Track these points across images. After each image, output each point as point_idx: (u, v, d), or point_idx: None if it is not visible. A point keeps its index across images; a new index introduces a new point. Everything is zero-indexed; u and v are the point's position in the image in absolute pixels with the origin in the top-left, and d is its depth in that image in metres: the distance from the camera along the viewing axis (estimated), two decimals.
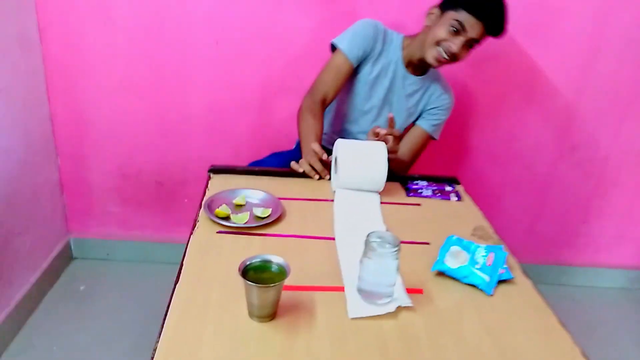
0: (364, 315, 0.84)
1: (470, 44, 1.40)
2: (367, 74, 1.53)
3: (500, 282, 0.96)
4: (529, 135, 1.98)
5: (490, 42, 1.44)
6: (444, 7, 1.41)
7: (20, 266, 1.77)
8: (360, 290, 0.88)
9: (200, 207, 1.15)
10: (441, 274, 0.97)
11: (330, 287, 0.91)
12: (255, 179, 1.30)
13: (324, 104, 1.52)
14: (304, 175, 1.32)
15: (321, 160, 1.32)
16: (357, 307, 0.86)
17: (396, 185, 1.33)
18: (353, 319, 0.84)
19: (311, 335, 0.79)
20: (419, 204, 1.26)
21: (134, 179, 2.04)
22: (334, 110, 1.64)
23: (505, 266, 0.98)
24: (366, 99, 1.57)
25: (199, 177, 1.98)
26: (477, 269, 0.95)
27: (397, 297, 0.87)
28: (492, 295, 0.93)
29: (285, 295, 0.83)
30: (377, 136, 1.34)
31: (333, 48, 1.52)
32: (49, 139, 1.93)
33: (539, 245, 2.21)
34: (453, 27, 1.36)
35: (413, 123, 1.63)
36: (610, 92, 1.91)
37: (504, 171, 2.05)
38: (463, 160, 2.02)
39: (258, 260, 0.82)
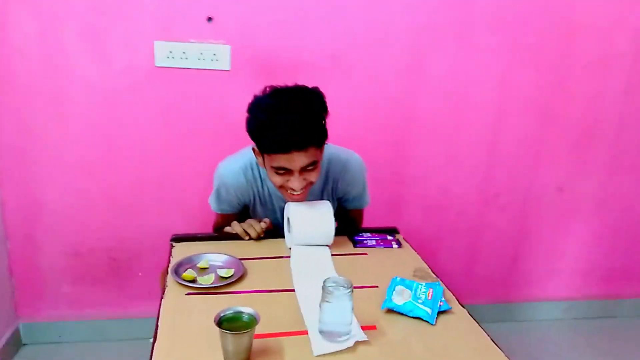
0: (327, 352, 0.96)
1: (310, 167, 1.26)
2: (255, 213, 1.51)
3: (440, 312, 1.11)
4: (457, 185, 2.22)
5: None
6: (258, 149, 1.29)
7: None
8: (321, 332, 1.00)
9: (160, 277, 1.23)
10: (390, 310, 1.11)
11: (294, 332, 1.02)
12: (215, 244, 1.40)
13: None
14: (260, 237, 1.44)
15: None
16: (320, 345, 0.97)
17: (344, 239, 1.48)
18: (318, 356, 0.95)
19: None
20: (365, 253, 1.41)
21: (87, 257, 2.05)
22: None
23: (443, 299, 1.13)
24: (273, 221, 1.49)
25: (153, 249, 2.07)
26: (420, 303, 1.09)
27: (355, 334, 1.00)
28: (434, 324, 1.08)
29: (256, 342, 0.93)
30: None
31: None
32: None
33: (477, 286, 2.40)
34: (278, 173, 1.26)
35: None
36: (520, 145, 2.20)
37: (438, 219, 2.26)
38: (401, 212, 2.21)
39: (230, 312, 0.93)
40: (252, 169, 1.45)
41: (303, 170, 1.25)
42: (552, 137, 2.22)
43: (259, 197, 1.49)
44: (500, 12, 2.00)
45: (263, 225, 1.43)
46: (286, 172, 1.25)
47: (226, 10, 1.84)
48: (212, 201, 1.53)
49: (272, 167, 1.26)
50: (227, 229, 1.47)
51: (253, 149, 1.34)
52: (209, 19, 1.85)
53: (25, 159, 1.90)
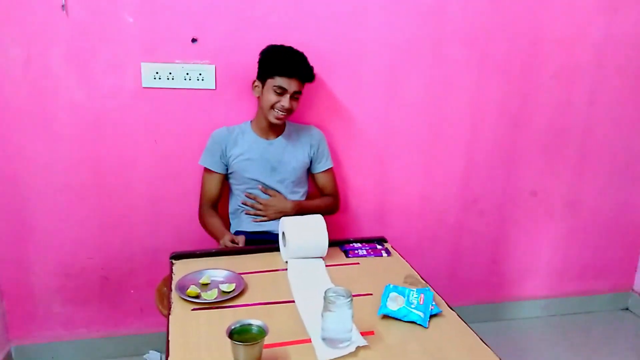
0: (331, 358, 1.03)
1: (295, 96, 1.75)
2: (237, 162, 1.84)
3: (432, 316, 1.19)
4: (436, 193, 2.32)
5: None
6: (262, 78, 1.76)
7: None
8: (324, 339, 1.07)
9: (156, 293, 1.28)
10: (386, 316, 1.19)
11: (298, 340, 1.09)
12: (214, 259, 1.46)
13: (214, 206, 1.91)
14: (256, 251, 1.53)
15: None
16: (324, 352, 1.04)
17: (336, 250, 1.56)
18: None
19: None
20: (357, 263, 1.49)
21: (78, 277, 2.06)
22: (238, 199, 1.90)
23: (433, 303, 1.22)
24: (256, 180, 1.85)
25: (144, 266, 2.11)
26: (413, 308, 1.17)
27: (355, 340, 1.07)
28: (427, 327, 1.16)
29: (264, 352, 0.99)
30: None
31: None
32: None
33: (460, 288, 2.49)
34: (276, 91, 1.71)
35: (311, 170, 1.96)
36: (493, 153, 2.32)
37: (421, 225, 2.35)
38: (385, 220, 2.29)
39: (240, 324, 0.99)
40: (235, 128, 1.88)
41: (292, 95, 1.73)
42: (523, 144, 2.35)
43: (231, 145, 1.85)
44: (470, 29, 2.12)
45: (233, 243, 1.65)
46: (281, 92, 1.71)
47: (210, 32, 1.91)
48: (202, 158, 1.89)
49: (272, 88, 1.71)
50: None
51: (253, 82, 1.80)
52: (194, 40, 1.91)
53: (13, 182, 1.91)
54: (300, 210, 1.83)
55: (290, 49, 1.77)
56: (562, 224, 2.53)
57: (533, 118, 2.31)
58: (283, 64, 1.70)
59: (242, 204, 1.86)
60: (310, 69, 1.76)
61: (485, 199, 2.39)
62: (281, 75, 1.70)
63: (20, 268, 2.01)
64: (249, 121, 1.90)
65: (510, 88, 2.24)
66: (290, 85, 1.71)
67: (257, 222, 1.84)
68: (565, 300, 2.68)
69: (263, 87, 1.75)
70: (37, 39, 1.79)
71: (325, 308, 1.05)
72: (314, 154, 1.93)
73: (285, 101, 1.72)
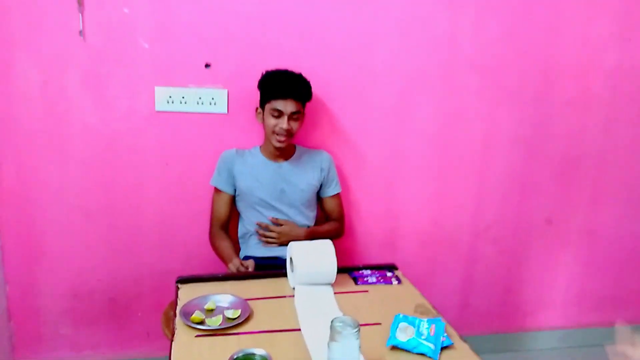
0: None
1: (295, 117, 1.75)
2: (245, 183, 1.85)
3: (443, 348, 1.15)
4: (449, 220, 2.28)
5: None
6: (262, 104, 1.79)
7: None
8: None
9: (162, 317, 1.26)
10: (395, 347, 1.15)
11: None
12: (220, 284, 1.44)
13: (224, 227, 1.91)
14: (263, 276, 1.50)
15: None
16: None
17: (345, 277, 1.52)
18: None
19: None
20: (366, 291, 1.45)
21: (86, 299, 2.05)
22: (247, 223, 1.90)
23: (445, 334, 1.18)
24: (265, 202, 1.85)
25: (152, 290, 2.09)
26: (423, 339, 1.14)
27: None
28: None
29: None
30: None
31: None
32: None
33: (472, 317, 2.43)
34: (274, 114, 1.73)
35: (320, 194, 1.96)
36: (507, 180, 2.28)
37: (432, 252, 2.31)
38: (395, 247, 2.25)
39: (243, 353, 0.96)
40: (245, 151, 1.91)
41: (291, 116, 1.74)
42: (537, 172, 2.30)
43: (239, 166, 1.86)
44: (484, 56, 2.11)
45: (242, 268, 1.64)
46: (279, 115, 1.73)
47: (223, 57, 1.93)
48: (212, 178, 1.90)
49: (270, 112, 1.74)
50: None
51: (256, 110, 1.84)
52: (207, 65, 1.93)
53: (25, 203, 1.92)
54: (312, 236, 1.80)
55: (284, 72, 1.79)
56: (579, 252, 2.47)
57: (547, 146, 2.28)
58: (276, 86, 1.73)
59: (256, 231, 1.85)
60: (306, 88, 1.77)
61: (498, 226, 2.34)
62: (276, 97, 1.72)
63: (29, 289, 2.01)
64: (258, 146, 1.91)
65: (523, 116, 2.22)
66: (286, 106, 1.72)
67: (267, 246, 1.82)
68: (583, 332, 2.58)
69: (264, 112, 1.78)
70: (55, 63, 1.82)
71: (332, 338, 1.02)
72: (324, 178, 1.93)
73: (283, 123, 1.73)
